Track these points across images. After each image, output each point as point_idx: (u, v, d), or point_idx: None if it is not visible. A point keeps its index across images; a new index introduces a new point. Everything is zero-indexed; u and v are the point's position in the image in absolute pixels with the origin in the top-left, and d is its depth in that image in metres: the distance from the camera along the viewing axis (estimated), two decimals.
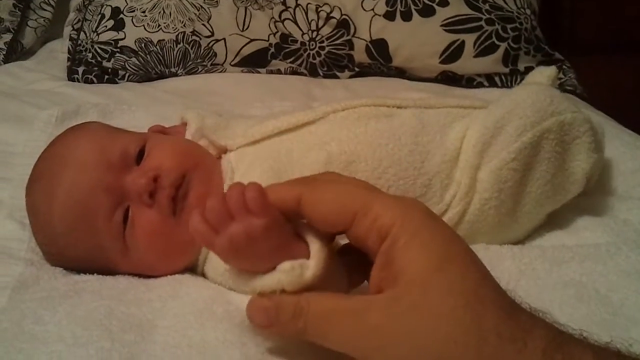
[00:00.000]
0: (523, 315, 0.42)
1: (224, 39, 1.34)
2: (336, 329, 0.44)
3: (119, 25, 1.33)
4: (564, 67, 1.36)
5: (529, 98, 0.73)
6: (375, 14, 1.33)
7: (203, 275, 0.69)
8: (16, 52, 1.46)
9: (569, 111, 0.73)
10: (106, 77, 1.34)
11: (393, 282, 0.43)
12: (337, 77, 1.37)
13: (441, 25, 1.33)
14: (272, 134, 0.73)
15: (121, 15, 1.34)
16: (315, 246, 0.49)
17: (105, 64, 1.34)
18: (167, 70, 1.35)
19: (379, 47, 1.34)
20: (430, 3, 1.33)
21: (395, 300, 0.42)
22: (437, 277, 0.42)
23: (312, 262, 0.48)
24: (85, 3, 1.43)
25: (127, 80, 1.34)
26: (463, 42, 1.32)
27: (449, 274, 0.42)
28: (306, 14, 1.33)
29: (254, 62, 1.36)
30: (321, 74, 1.38)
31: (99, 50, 1.33)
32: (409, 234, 0.43)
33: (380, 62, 1.35)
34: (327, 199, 0.47)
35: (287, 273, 0.48)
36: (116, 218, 0.66)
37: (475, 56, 1.33)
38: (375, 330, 0.42)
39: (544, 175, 0.72)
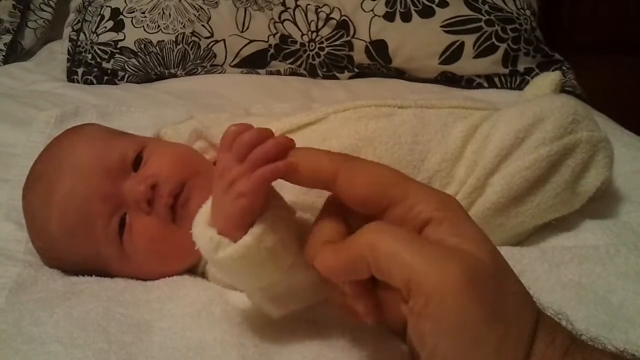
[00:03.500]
0: (548, 315, 0.43)
1: (224, 40, 1.34)
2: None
3: (118, 26, 1.34)
4: (563, 67, 1.36)
5: (552, 114, 0.73)
6: (375, 15, 1.33)
7: (202, 275, 0.68)
8: (16, 53, 1.46)
9: (587, 130, 0.73)
10: (105, 78, 1.34)
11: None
12: (336, 78, 1.38)
13: (441, 26, 1.33)
14: None
15: (121, 16, 1.34)
16: (255, 230, 0.48)
17: (104, 65, 1.34)
18: (166, 71, 1.35)
19: (378, 48, 1.34)
20: (429, 4, 1.33)
21: (475, 262, 0.41)
22: (499, 256, 0.43)
23: (230, 248, 0.48)
24: (85, 4, 1.43)
25: (127, 81, 1.34)
26: (463, 43, 1.32)
27: (495, 254, 0.43)
28: (306, 14, 1.33)
29: (254, 63, 1.36)
30: (321, 75, 1.38)
31: (98, 51, 1.33)
32: (451, 218, 0.43)
33: (379, 63, 1.35)
34: (364, 181, 0.46)
35: (208, 240, 0.49)
36: (113, 225, 0.66)
37: (475, 57, 1.33)
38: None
39: (555, 188, 0.72)
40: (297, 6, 1.34)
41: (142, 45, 1.32)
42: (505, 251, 0.69)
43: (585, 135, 0.73)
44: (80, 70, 1.34)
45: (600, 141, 0.74)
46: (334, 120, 0.74)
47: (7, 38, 1.45)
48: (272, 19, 1.34)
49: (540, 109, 0.74)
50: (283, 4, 1.34)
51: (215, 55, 1.34)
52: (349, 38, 1.34)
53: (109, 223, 0.66)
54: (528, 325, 0.41)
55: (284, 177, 0.47)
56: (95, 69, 1.34)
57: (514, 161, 0.71)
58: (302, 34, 1.34)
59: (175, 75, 1.36)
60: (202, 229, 0.51)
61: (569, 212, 0.75)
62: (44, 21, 1.51)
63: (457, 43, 1.32)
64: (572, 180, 0.73)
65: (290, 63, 1.36)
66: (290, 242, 0.51)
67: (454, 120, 0.75)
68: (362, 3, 1.34)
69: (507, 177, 0.71)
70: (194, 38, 1.33)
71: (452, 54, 1.33)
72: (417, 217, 0.44)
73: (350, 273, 0.44)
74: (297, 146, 0.49)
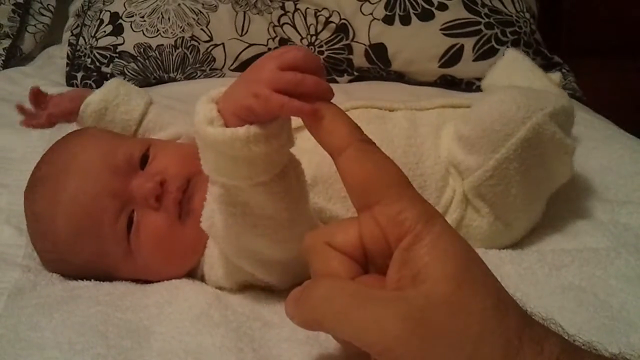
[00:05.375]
0: (536, 322, 0.42)
1: (223, 43, 1.34)
2: (358, 315, 0.41)
3: (117, 31, 1.34)
4: (563, 70, 1.36)
5: (493, 111, 0.70)
6: (374, 18, 1.33)
7: (202, 278, 0.68)
8: (15, 58, 1.46)
9: (537, 110, 0.70)
10: (105, 82, 1.34)
11: (413, 281, 0.42)
12: (336, 81, 1.37)
13: (440, 29, 1.33)
14: None
15: (120, 21, 1.34)
16: (252, 129, 0.49)
17: (104, 69, 1.34)
18: (166, 76, 1.35)
19: (378, 51, 1.34)
20: (429, 7, 1.33)
21: (424, 296, 0.41)
22: (467, 276, 0.41)
23: (220, 129, 0.49)
24: (84, 8, 1.43)
25: None
26: (462, 46, 1.32)
27: (476, 274, 0.42)
28: (305, 18, 1.33)
29: None
30: None
31: (97, 56, 1.33)
32: (434, 234, 0.42)
33: (379, 66, 1.35)
34: (366, 168, 0.45)
35: (207, 111, 0.49)
36: (121, 222, 0.66)
37: (475, 60, 1.32)
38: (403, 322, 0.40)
39: (525, 177, 0.70)
40: (296, 10, 1.34)
41: (142, 50, 1.32)
42: (505, 254, 0.70)
43: (540, 118, 0.69)
44: (79, 75, 1.34)
45: (552, 115, 0.70)
46: None
47: (7, 42, 1.45)
48: (272, 22, 1.34)
49: (479, 111, 0.72)
50: (282, 7, 1.34)
51: (214, 59, 1.34)
52: (348, 41, 1.34)
53: (117, 221, 0.66)
54: (503, 339, 0.39)
55: (303, 120, 0.48)
56: (95, 74, 1.34)
57: (473, 170, 0.70)
58: (302, 38, 1.34)
59: (174, 80, 1.36)
60: (206, 101, 0.51)
61: (556, 187, 0.75)
62: (43, 26, 1.51)
63: (457, 46, 1.32)
64: (539, 162, 0.71)
65: None
66: (274, 166, 0.53)
67: (443, 121, 0.76)
68: (361, 6, 1.34)
69: (475, 188, 0.70)
70: (193, 42, 1.33)
71: (452, 57, 1.33)
72: (402, 224, 0.43)
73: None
74: None
